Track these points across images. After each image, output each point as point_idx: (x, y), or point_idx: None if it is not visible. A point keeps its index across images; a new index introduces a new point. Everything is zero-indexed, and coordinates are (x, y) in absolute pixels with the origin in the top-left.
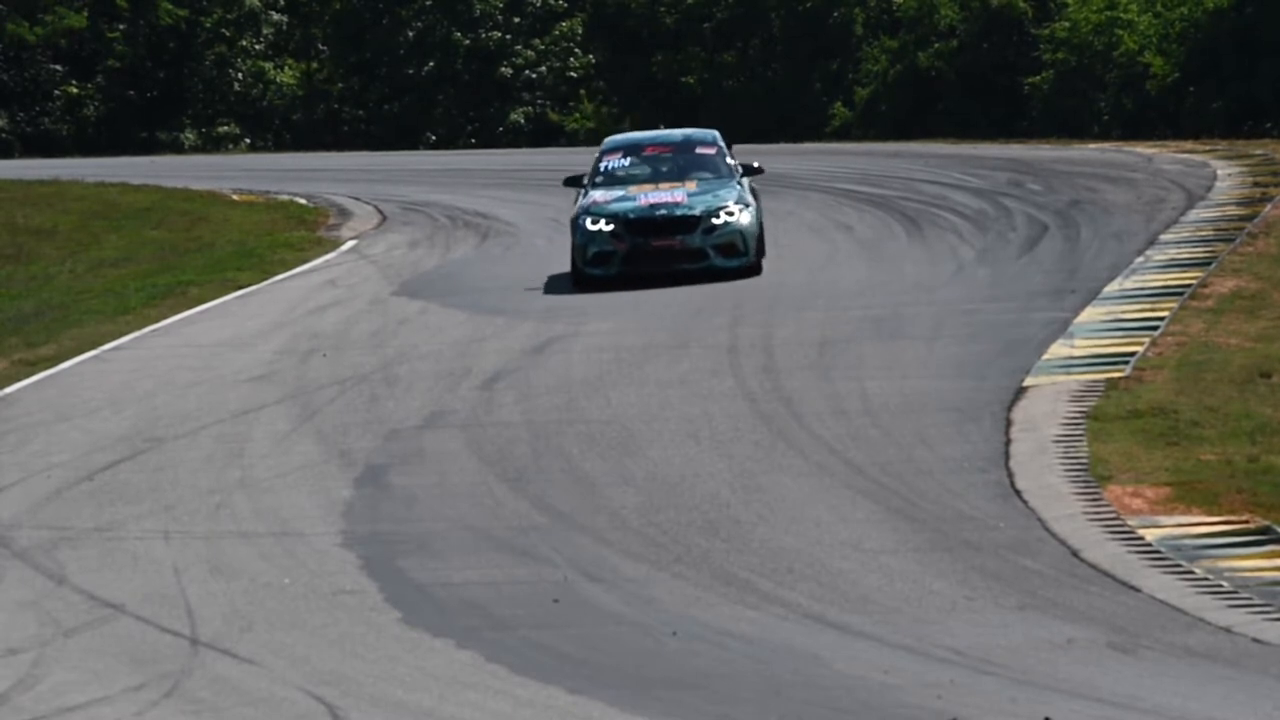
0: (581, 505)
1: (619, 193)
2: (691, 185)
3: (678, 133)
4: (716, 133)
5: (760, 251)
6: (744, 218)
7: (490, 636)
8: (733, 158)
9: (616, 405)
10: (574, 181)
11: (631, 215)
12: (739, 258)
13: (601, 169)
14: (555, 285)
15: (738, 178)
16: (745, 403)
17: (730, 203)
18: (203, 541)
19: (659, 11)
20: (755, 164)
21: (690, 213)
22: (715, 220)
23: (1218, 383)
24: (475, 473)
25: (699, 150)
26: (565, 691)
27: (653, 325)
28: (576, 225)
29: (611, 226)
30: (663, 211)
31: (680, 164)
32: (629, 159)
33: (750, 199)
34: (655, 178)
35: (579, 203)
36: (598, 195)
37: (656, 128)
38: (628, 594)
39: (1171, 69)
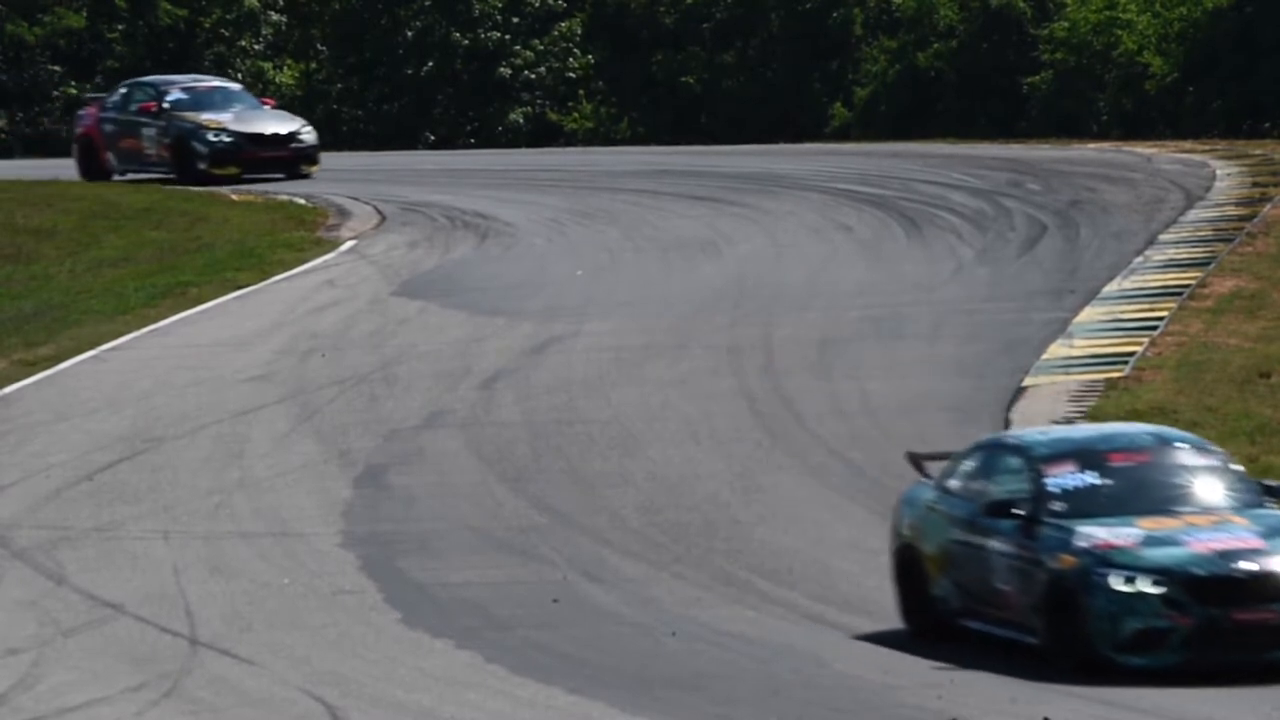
0: (581, 505)
1: (1137, 531)
2: (1236, 519)
3: (1138, 430)
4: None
5: None
6: None
7: (490, 636)
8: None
9: (616, 405)
10: (1002, 510)
11: (1199, 571)
12: None
13: (1051, 489)
14: (553, 284)
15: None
16: (745, 402)
17: None
18: (202, 541)
19: (659, 11)
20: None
21: None
22: None
23: (1217, 383)
24: (475, 473)
25: (1191, 459)
26: (565, 691)
27: (653, 325)
28: (1092, 583)
29: (1163, 589)
30: (1246, 565)
31: (1174, 480)
32: (1092, 473)
33: None
34: (1158, 505)
35: (1075, 544)
36: (1107, 534)
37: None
38: (628, 594)
39: (1171, 69)
